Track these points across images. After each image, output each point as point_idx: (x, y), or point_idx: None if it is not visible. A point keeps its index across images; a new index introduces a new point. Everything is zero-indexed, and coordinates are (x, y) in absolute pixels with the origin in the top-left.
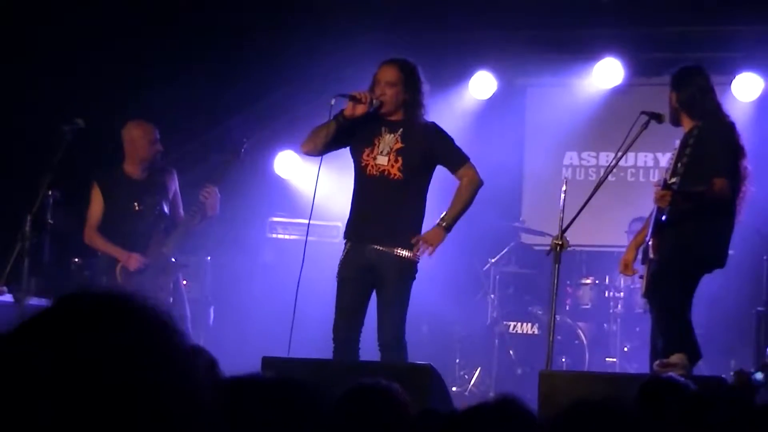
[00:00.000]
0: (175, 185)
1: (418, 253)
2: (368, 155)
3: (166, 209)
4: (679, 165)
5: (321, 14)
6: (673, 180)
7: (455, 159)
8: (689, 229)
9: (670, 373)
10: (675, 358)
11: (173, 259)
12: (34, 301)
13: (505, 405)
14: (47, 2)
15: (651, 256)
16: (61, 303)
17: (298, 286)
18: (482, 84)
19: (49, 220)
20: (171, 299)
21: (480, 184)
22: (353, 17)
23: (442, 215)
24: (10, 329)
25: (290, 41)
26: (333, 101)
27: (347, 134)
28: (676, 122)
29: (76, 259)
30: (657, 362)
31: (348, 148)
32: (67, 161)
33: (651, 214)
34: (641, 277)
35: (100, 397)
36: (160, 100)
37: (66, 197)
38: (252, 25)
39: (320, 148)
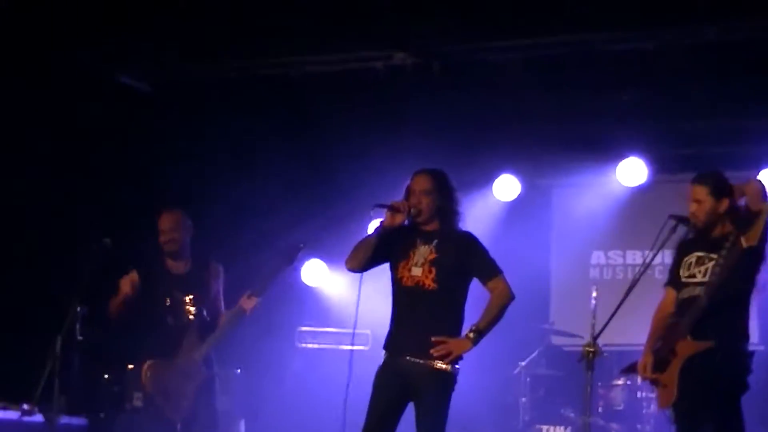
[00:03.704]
0: (218, 283)
1: (435, 355)
2: (404, 267)
3: (204, 311)
4: (707, 269)
5: (341, 123)
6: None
7: (487, 271)
8: (740, 332)
9: None
10: None
11: (204, 367)
12: (65, 419)
13: None
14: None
15: (680, 353)
16: None
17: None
18: (506, 186)
19: (79, 337)
20: (189, 405)
21: (511, 298)
22: (374, 123)
23: (471, 326)
24: None
25: (311, 148)
26: (372, 212)
27: (387, 249)
28: (711, 227)
29: (106, 375)
30: None
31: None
32: (94, 279)
33: (657, 316)
34: (660, 385)
35: None
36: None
37: (94, 314)
38: (276, 133)
39: (363, 263)
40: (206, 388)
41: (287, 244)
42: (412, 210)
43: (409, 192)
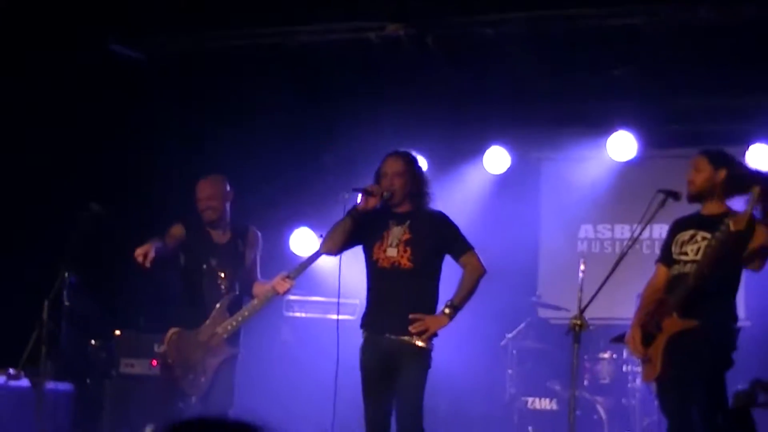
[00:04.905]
0: (255, 251)
1: (413, 332)
2: (378, 248)
3: (237, 282)
4: (699, 248)
5: (333, 94)
6: (688, 265)
7: (459, 247)
8: (726, 312)
9: None
10: None
11: (228, 345)
12: (52, 385)
13: None
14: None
15: (666, 330)
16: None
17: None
18: (496, 158)
19: (66, 303)
20: (207, 381)
21: (483, 272)
22: (365, 95)
23: (447, 302)
24: None
25: (303, 118)
26: (347, 196)
27: (360, 232)
28: (703, 198)
29: (93, 342)
30: None
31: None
32: (82, 246)
33: (647, 292)
34: (646, 359)
35: None
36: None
37: (82, 281)
38: (267, 103)
39: (339, 245)
40: (227, 367)
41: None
42: (385, 193)
43: (380, 175)
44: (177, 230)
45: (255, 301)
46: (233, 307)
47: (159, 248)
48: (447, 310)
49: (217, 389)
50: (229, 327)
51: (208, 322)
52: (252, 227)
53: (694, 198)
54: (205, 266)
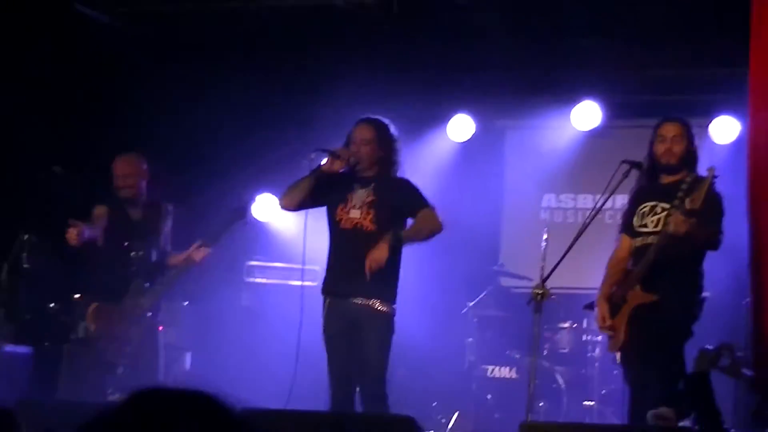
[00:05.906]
0: (167, 224)
1: (369, 273)
2: (342, 210)
3: (154, 255)
4: (659, 219)
5: (298, 59)
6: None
7: (417, 203)
8: (688, 284)
9: None
10: (666, 411)
11: (149, 314)
12: (10, 348)
13: None
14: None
15: (630, 302)
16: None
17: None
18: (460, 126)
19: (25, 265)
20: (133, 350)
21: (438, 226)
22: (330, 60)
23: (395, 231)
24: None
25: (268, 84)
26: (313, 155)
27: (323, 193)
28: (673, 171)
29: (52, 304)
30: (651, 413)
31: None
32: (43, 209)
33: (612, 263)
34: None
35: None
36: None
37: (42, 242)
38: (233, 68)
39: (297, 202)
40: (150, 334)
41: (239, 198)
42: (351, 159)
43: (349, 140)
44: (100, 210)
45: (173, 271)
46: (152, 279)
47: (89, 232)
48: (389, 237)
49: (144, 357)
50: (151, 298)
51: (129, 294)
52: (164, 202)
53: (671, 169)
54: (125, 243)
